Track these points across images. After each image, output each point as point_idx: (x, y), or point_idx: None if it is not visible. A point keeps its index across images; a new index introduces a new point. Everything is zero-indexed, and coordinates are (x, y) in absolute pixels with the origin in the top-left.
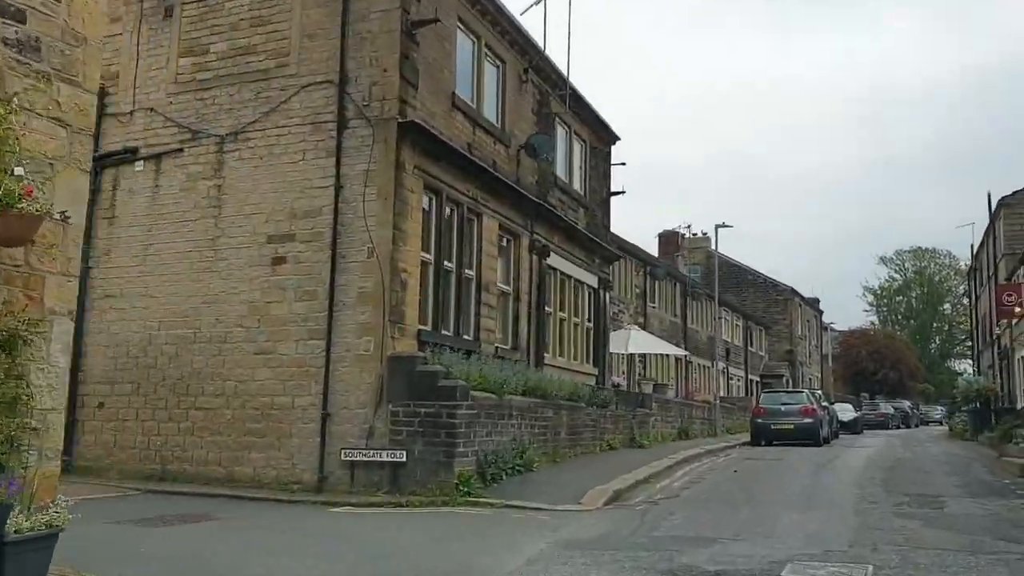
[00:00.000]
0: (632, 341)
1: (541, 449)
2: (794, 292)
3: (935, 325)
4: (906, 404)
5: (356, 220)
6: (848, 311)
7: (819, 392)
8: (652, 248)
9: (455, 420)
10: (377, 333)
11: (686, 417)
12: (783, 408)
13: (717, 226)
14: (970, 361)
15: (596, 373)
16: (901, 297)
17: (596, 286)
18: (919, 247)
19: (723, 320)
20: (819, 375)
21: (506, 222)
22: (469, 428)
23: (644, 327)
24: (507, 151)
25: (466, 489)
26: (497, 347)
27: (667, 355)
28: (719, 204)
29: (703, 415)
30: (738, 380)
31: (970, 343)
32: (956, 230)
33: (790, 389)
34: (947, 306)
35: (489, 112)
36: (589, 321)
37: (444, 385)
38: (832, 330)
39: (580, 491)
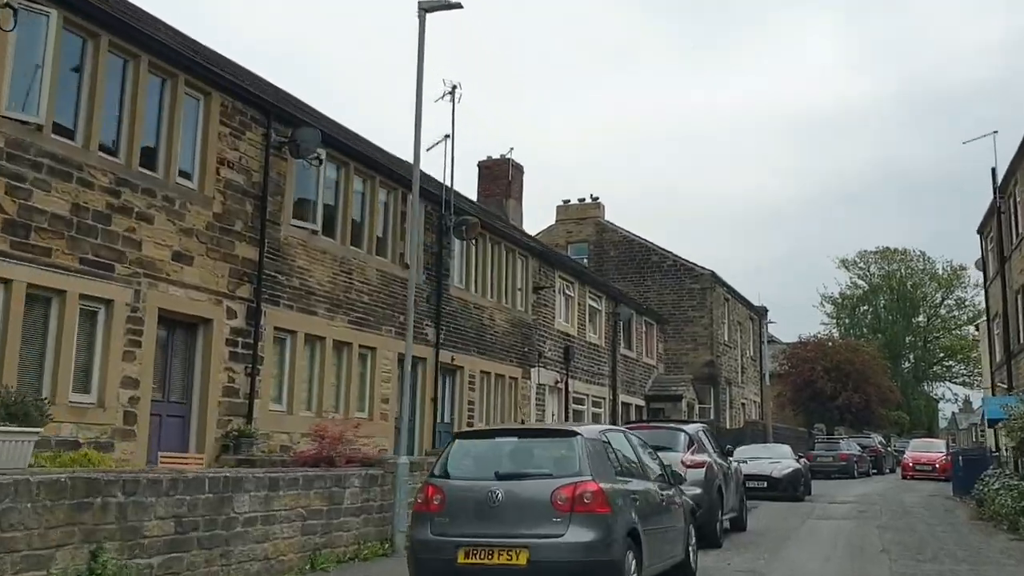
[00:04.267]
0: None
1: None
2: (716, 279)
3: (908, 339)
4: (876, 439)
5: None
6: (802, 330)
7: (694, 428)
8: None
9: None
10: None
11: (192, 527)
12: (501, 496)
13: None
14: (950, 384)
15: None
16: (866, 306)
17: None
18: (887, 247)
19: (562, 295)
20: (757, 399)
21: None
22: None
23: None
24: None
25: None
26: None
27: (326, 339)
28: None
29: (353, 499)
30: (596, 404)
31: (954, 361)
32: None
33: (543, 427)
34: (922, 317)
35: None
36: None
37: None
38: (777, 341)
39: None
